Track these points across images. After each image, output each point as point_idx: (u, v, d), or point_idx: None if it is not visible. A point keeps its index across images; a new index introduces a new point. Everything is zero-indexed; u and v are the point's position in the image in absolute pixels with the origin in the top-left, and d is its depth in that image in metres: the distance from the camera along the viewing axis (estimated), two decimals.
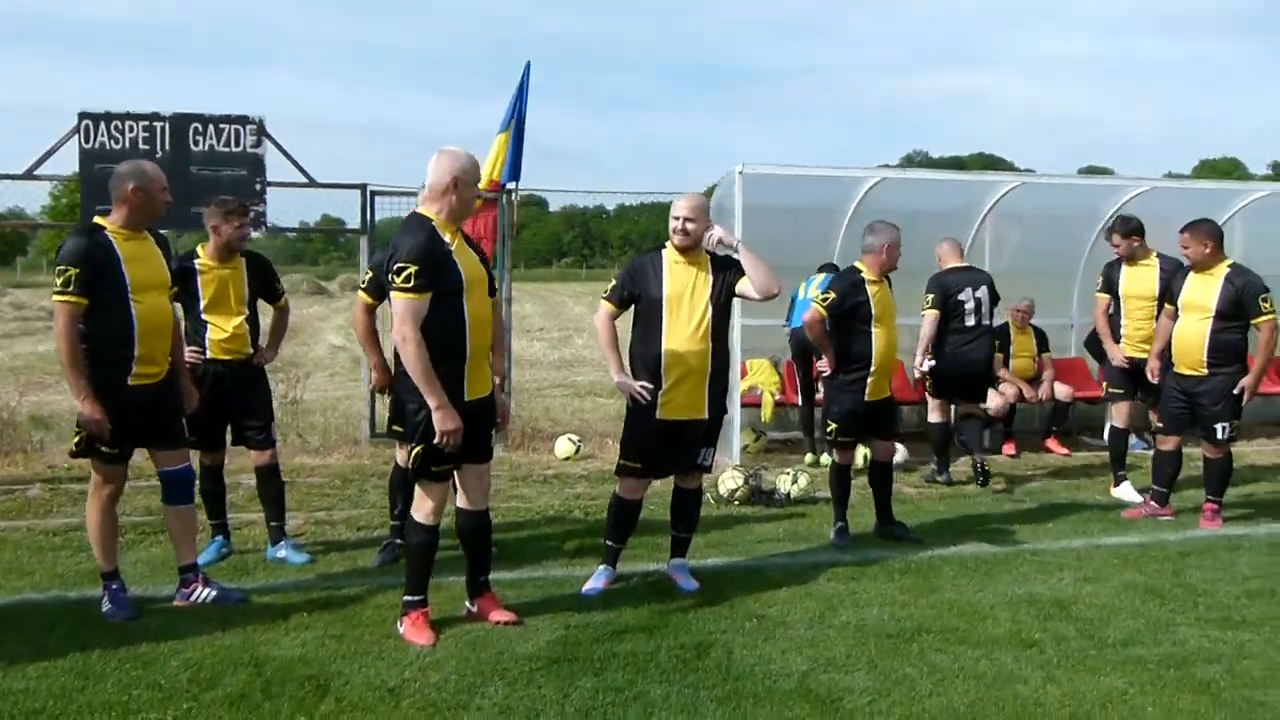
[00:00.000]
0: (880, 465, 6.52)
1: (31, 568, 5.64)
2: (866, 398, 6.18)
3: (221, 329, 5.72)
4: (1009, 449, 9.36)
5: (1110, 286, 7.67)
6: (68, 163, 8.57)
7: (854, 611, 5.01)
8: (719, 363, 5.29)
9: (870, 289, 6.18)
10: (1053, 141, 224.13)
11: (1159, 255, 7.50)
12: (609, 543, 5.47)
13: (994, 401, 9.13)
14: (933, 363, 7.92)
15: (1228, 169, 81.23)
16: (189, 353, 5.63)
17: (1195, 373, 6.71)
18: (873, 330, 6.14)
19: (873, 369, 6.15)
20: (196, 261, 5.76)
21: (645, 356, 5.27)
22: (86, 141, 8.41)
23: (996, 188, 9.58)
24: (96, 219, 4.86)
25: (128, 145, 8.43)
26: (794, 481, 7.48)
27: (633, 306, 5.33)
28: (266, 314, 6.04)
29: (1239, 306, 6.60)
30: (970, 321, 7.88)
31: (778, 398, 9.19)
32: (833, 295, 6.25)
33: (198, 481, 5.51)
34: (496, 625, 4.77)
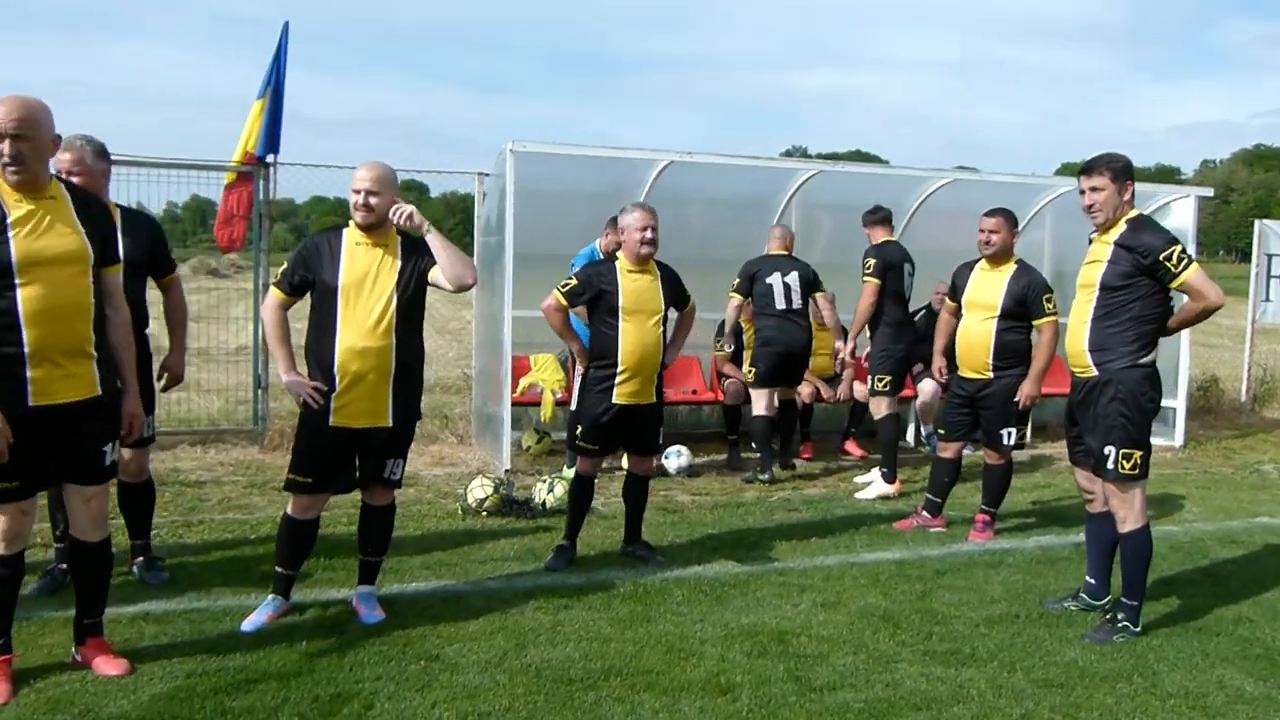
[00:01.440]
0: (634, 479, 5.87)
1: None
2: (615, 401, 5.50)
3: None
4: (805, 452, 8.88)
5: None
6: None
7: (545, 650, 4.35)
8: (405, 361, 4.55)
9: (624, 278, 5.50)
10: (928, 140, 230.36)
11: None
12: (279, 569, 4.70)
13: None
14: (732, 348, 8.18)
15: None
16: None
17: (979, 375, 6.27)
18: (619, 324, 5.46)
19: (620, 369, 5.46)
20: None
21: (318, 353, 4.51)
22: None
23: (795, 175, 9.09)
24: None
25: None
26: (550, 490, 6.80)
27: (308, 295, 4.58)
28: None
29: (1025, 305, 6.18)
30: (780, 306, 7.89)
31: (559, 396, 8.51)
32: (574, 281, 5.57)
33: None
34: (102, 676, 3.96)
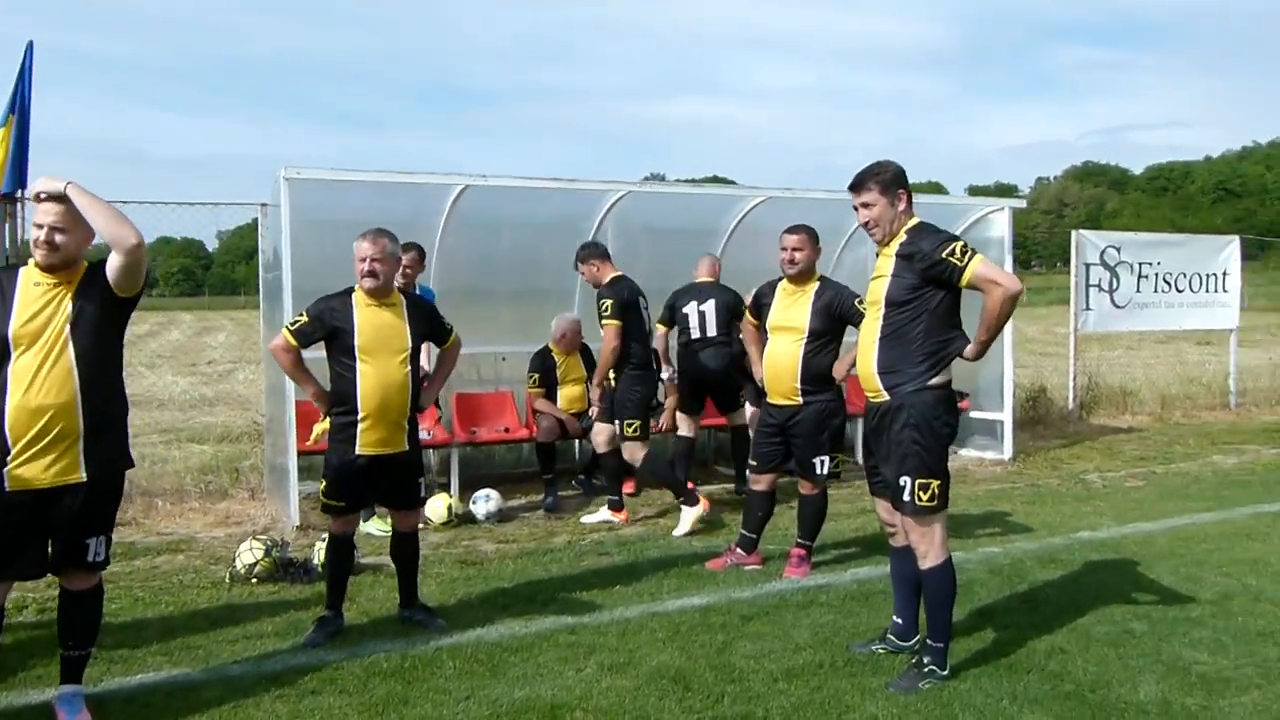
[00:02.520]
0: (400, 536, 5.25)
1: None
2: (359, 451, 4.89)
3: None
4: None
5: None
6: None
7: None
8: (99, 413, 3.86)
9: (361, 312, 4.90)
10: (783, 165, 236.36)
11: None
12: None
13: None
14: (672, 369, 8.21)
15: (932, 190, 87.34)
16: None
17: (789, 402, 5.89)
18: (356, 365, 4.85)
19: (361, 415, 4.85)
20: None
21: None
22: None
23: (605, 197, 8.65)
24: None
25: None
26: None
27: None
28: None
29: (837, 320, 5.84)
30: (695, 334, 7.93)
31: None
32: (304, 318, 4.95)
33: None
34: None
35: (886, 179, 4.32)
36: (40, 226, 3.82)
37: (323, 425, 7.43)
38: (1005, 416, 9.91)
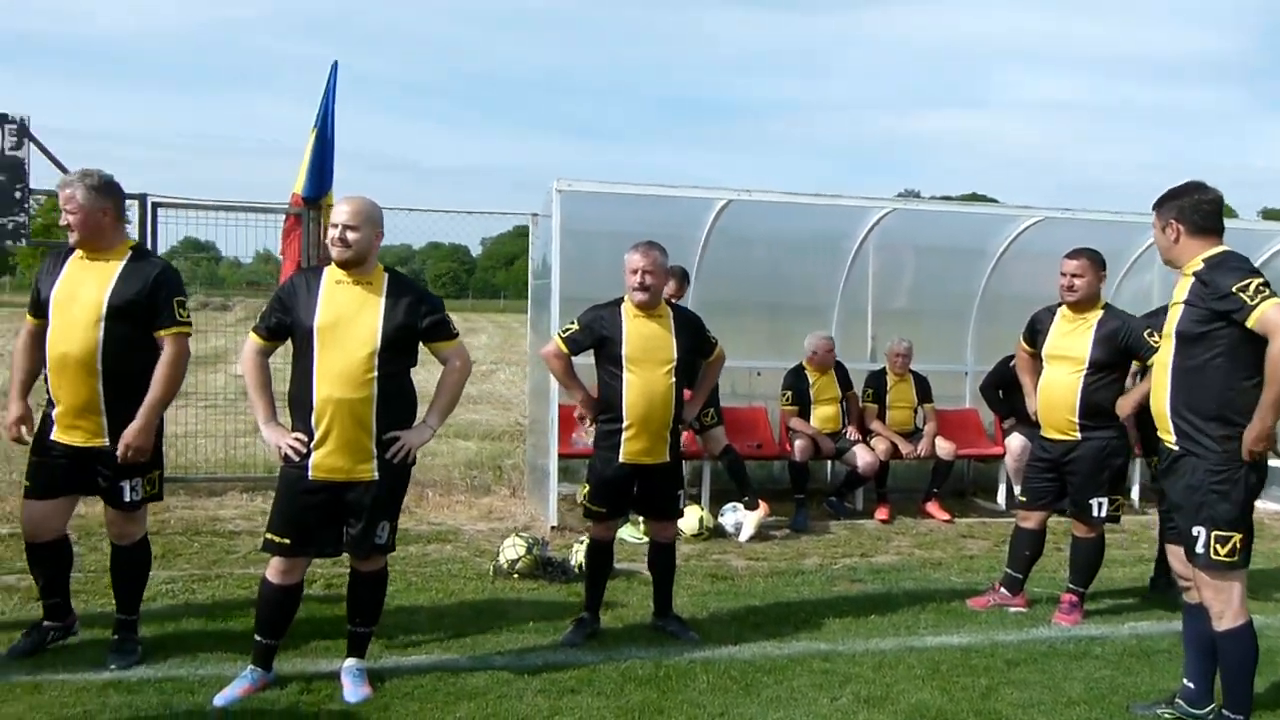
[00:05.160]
0: (657, 547, 5.31)
1: None
2: (622, 460, 4.98)
3: None
4: (882, 513, 8.16)
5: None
6: None
7: None
8: (391, 411, 4.14)
9: (629, 323, 5.00)
10: (1041, 181, 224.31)
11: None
12: (258, 638, 4.30)
13: (864, 458, 8.00)
14: None
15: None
16: None
17: (1065, 436, 5.55)
18: (623, 374, 4.95)
19: (626, 424, 4.94)
20: None
21: (299, 401, 4.13)
22: None
23: (868, 214, 8.45)
24: None
25: None
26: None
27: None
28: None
29: (1122, 352, 5.46)
30: None
31: None
32: (575, 326, 5.09)
33: None
34: None
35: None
36: (335, 225, 4.14)
37: (584, 430, 7.74)
38: None
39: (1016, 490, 8.56)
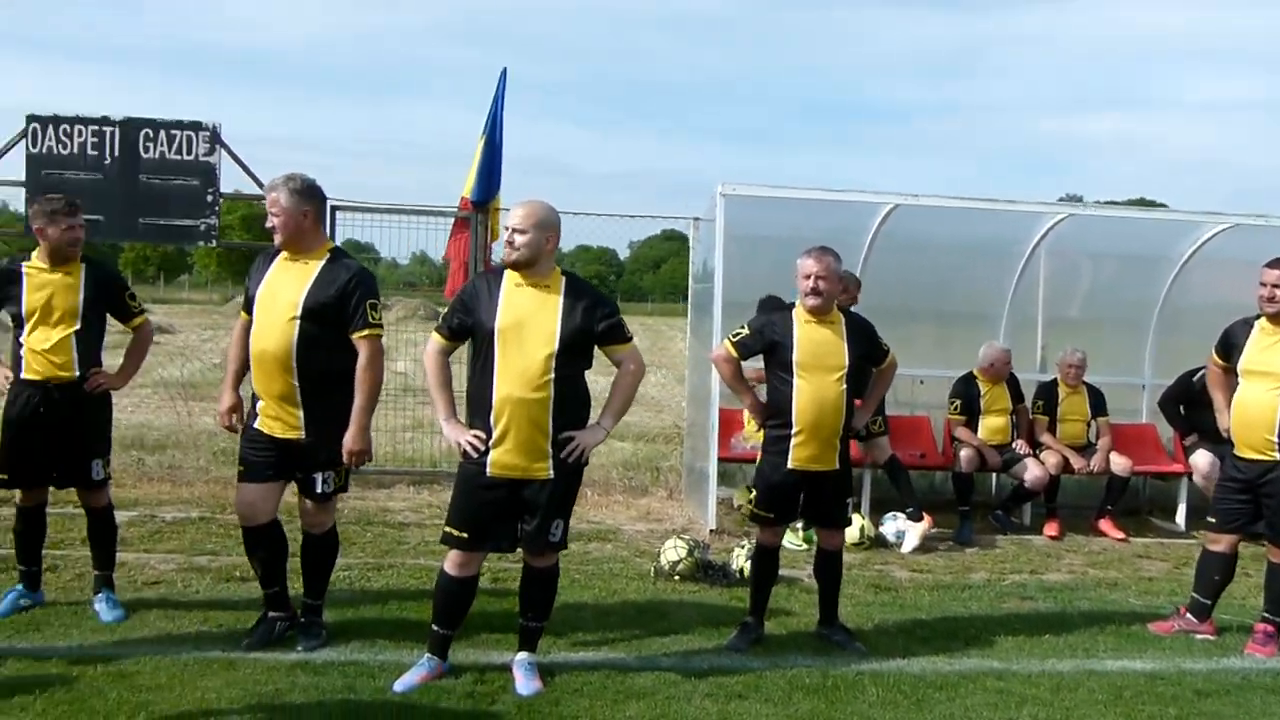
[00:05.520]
0: (824, 554, 5.24)
1: None
2: (790, 465, 4.93)
3: (39, 343, 4.94)
4: (1051, 529, 7.85)
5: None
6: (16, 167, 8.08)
7: None
8: (566, 412, 4.22)
9: (800, 328, 4.95)
10: (1215, 186, 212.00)
11: None
12: (434, 628, 4.44)
13: (1033, 472, 7.72)
14: None
15: None
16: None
17: (1262, 456, 5.23)
18: (793, 380, 4.90)
19: (795, 430, 4.89)
20: (24, 265, 5.00)
21: (477, 400, 4.25)
22: (34, 145, 7.92)
23: (1041, 220, 8.14)
24: None
25: (76, 150, 7.92)
26: (749, 557, 6.24)
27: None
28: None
29: None
30: None
31: None
32: (745, 330, 5.07)
33: None
34: None
35: None
36: (507, 229, 4.24)
37: (747, 433, 7.73)
38: None
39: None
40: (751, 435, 7.88)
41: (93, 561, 5.21)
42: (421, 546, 6.68)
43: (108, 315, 5.13)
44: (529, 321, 4.17)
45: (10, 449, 4.94)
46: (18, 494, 5.08)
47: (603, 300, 4.34)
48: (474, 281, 4.45)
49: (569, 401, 4.23)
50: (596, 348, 4.36)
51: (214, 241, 8.20)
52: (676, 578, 6.16)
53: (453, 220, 8.52)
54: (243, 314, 4.69)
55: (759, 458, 5.21)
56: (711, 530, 7.37)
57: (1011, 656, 5.03)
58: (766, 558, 5.14)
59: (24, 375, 4.93)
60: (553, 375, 4.15)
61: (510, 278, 4.26)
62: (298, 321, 4.43)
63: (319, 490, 4.61)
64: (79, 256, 5.03)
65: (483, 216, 8.33)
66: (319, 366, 4.46)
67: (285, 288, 4.50)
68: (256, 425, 4.55)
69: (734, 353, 5.05)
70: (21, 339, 4.95)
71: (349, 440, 4.47)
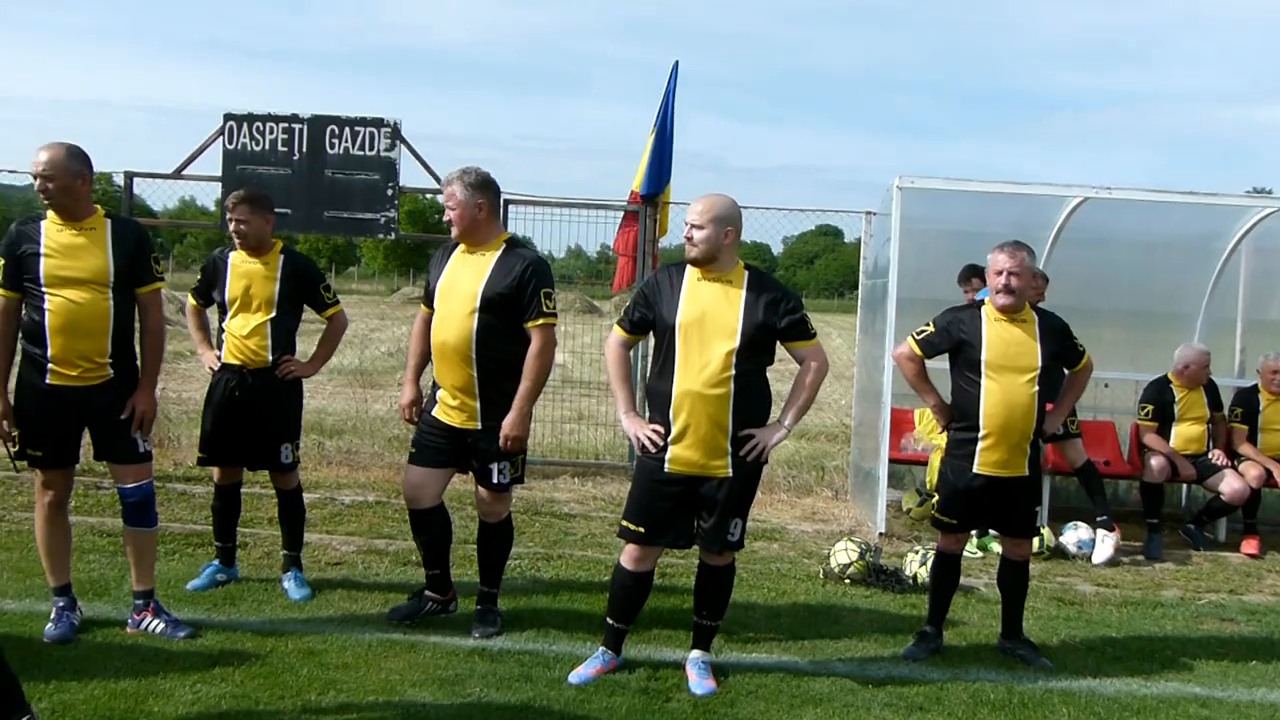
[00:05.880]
0: (1009, 564, 5.00)
1: (35, 569, 5.34)
2: (976, 470, 4.72)
3: (238, 329, 5.19)
4: (1250, 546, 7.31)
5: None
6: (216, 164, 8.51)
7: None
8: (746, 408, 4.14)
9: (990, 327, 4.73)
10: None
11: None
12: (609, 621, 4.44)
13: (1231, 484, 7.22)
14: None
15: None
16: (209, 357, 5.28)
17: None
18: (982, 381, 4.68)
19: (982, 434, 4.68)
20: (231, 255, 5.27)
21: (657, 395, 4.23)
22: (230, 142, 8.34)
23: (1245, 214, 7.58)
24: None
25: (267, 147, 8.31)
26: (923, 562, 6.04)
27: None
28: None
29: None
30: None
31: None
32: (931, 328, 4.87)
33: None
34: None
35: None
36: (686, 224, 4.19)
37: (915, 436, 7.49)
38: None
39: None
40: (923, 437, 7.64)
41: (282, 541, 5.45)
42: (589, 538, 6.73)
43: (303, 305, 5.33)
44: (711, 316, 4.12)
45: (209, 429, 5.21)
46: (215, 472, 5.35)
47: (787, 294, 4.25)
48: (656, 275, 4.42)
49: (749, 398, 4.16)
50: (779, 344, 4.28)
51: (393, 234, 8.46)
52: (847, 581, 6.01)
53: (621, 214, 8.56)
54: (423, 307, 4.80)
55: (936, 460, 5.02)
56: (881, 533, 7.17)
57: (1215, 683, 4.69)
58: (948, 565, 4.95)
59: (225, 360, 5.19)
60: (733, 371, 4.09)
61: (692, 272, 4.21)
62: (477, 314, 4.50)
63: (495, 480, 4.67)
64: (272, 247, 5.24)
65: (651, 210, 8.33)
66: (497, 356, 4.53)
67: (464, 280, 4.58)
68: (435, 412, 4.65)
69: (918, 351, 4.88)
70: (224, 325, 5.22)
71: (508, 425, 4.52)
